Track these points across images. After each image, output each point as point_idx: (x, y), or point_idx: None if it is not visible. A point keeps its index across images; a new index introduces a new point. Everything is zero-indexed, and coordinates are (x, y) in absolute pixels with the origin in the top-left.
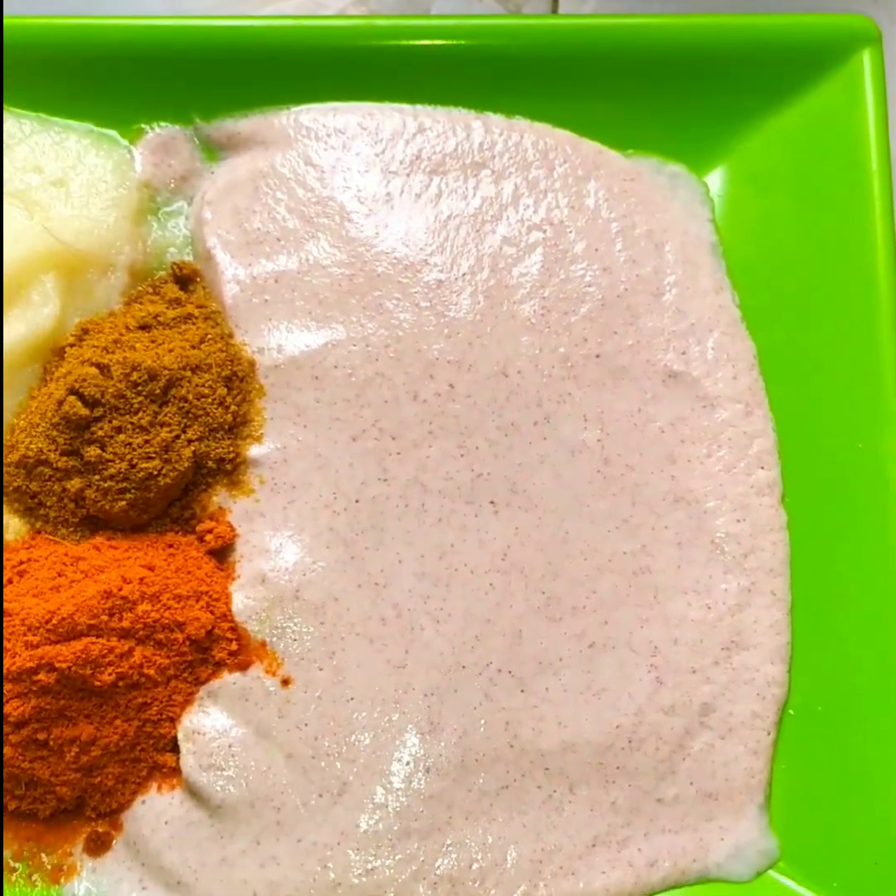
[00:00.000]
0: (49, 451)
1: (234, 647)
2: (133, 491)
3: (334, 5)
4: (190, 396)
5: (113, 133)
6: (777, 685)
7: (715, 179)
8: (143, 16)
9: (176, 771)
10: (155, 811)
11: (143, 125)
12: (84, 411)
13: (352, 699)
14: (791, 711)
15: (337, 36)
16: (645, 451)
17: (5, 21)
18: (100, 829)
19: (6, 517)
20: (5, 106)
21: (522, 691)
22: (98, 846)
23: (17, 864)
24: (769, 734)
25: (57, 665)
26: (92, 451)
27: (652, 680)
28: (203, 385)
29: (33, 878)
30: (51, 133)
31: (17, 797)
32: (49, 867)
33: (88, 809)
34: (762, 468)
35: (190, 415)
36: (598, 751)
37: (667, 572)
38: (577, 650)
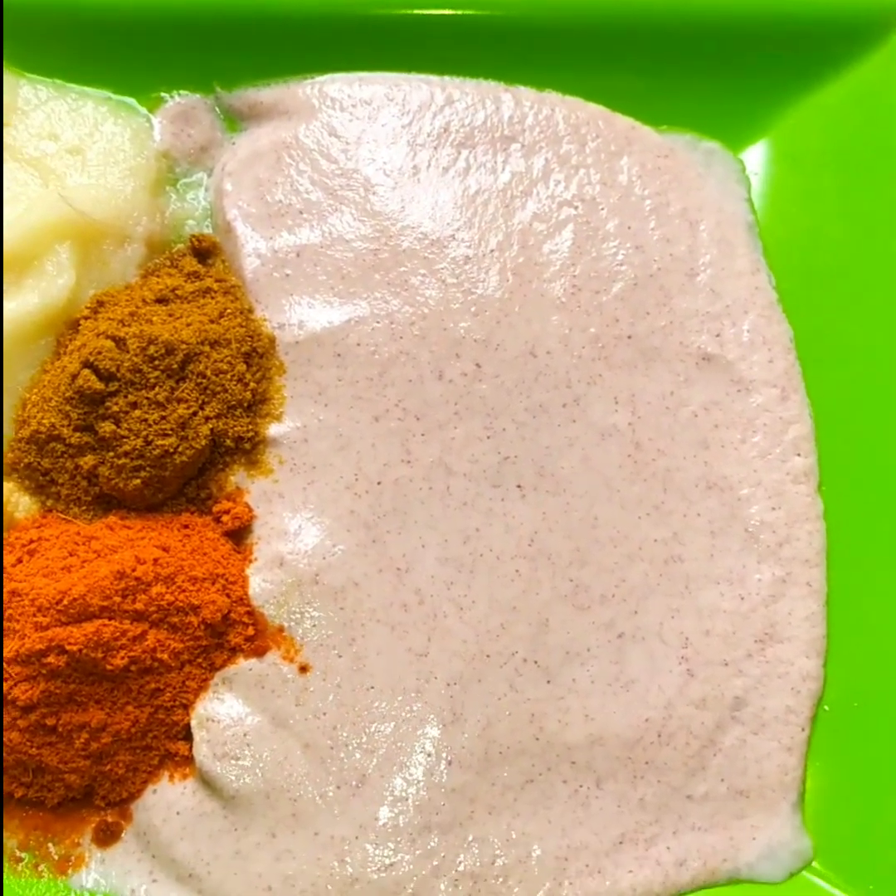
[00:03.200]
0: (62, 426)
1: (250, 631)
2: (148, 469)
3: None
4: (208, 372)
5: (131, 101)
6: (812, 679)
7: (751, 157)
8: None
9: (189, 760)
10: (166, 801)
11: (162, 93)
12: (99, 385)
13: (372, 688)
14: (826, 707)
15: (363, 3)
16: (677, 435)
17: None
18: (109, 819)
19: (16, 495)
20: (22, 71)
21: (548, 682)
22: (107, 836)
23: (23, 854)
24: (803, 730)
25: (67, 648)
26: (106, 427)
27: (683, 672)
28: (222, 361)
29: (40, 869)
30: (67, 100)
31: (24, 784)
32: (56, 857)
33: (97, 798)
34: (798, 455)
35: (208, 391)
36: (627, 745)
37: (699, 561)
38: (605, 640)
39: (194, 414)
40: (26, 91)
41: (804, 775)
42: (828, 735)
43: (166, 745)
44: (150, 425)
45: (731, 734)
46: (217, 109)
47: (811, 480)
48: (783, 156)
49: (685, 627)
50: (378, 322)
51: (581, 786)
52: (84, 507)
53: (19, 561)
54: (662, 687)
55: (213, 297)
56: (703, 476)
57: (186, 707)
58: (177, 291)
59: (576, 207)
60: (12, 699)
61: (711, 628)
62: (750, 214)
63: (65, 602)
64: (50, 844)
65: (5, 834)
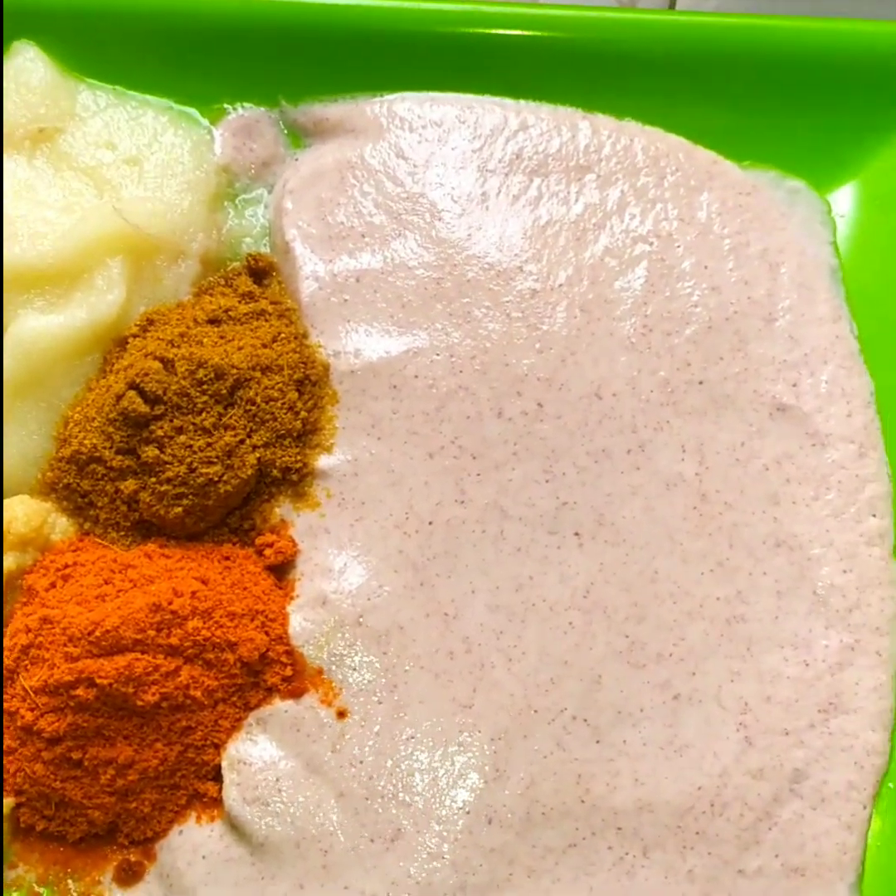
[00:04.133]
0: (104, 448)
1: (288, 672)
2: (191, 497)
3: None
4: (258, 399)
5: (193, 111)
6: (877, 754)
7: (838, 198)
8: None
9: (217, 802)
10: (192, 843)
11: (225, 105)
12: (144, 408)
13: (412, 737)
14: (891, 784)
15: (439, 20)
16: (746, 488)
17: None
18: (132, 858)
19: (54, 516)
20: (82, 76)
21: (598, 742)
22: (129, 876)
23: (41, 889)
24: (865, 807)
25: (97, 681)
26: (149, 452)
27: (740, 740)
28: (273, 387)
29: None
30: (127, 107)
31: (47, 818)
32: (75, 894)
33: (121, 836)
34: (873, 516)
35: (256, 419)
36: (677, 813)
37: (763, 623)
38: (660, 701)
39: (241, 442)
40: (85, 96)
41: (864, 855)
42: (892, 814)
43: (195, 784)
44: (194, 452)
45: (789, 808)
46: (281, 124)
47: (886, 543)
48: (872, 199)
49: (745, 692)
50: (437, 354)
51: (627, 853)
52: (123, 533)
53: (53, 585)
54: (718, 754)
55: (267, 320)
56: (771, 533)
57: (218, 747)
58: (230, 312)
59: (651, 243)
60: (38, 730)
61: (773, 695)
62: (834, 258)
63: (97, 633)
64: (70, 881)
65: (25, 867)
